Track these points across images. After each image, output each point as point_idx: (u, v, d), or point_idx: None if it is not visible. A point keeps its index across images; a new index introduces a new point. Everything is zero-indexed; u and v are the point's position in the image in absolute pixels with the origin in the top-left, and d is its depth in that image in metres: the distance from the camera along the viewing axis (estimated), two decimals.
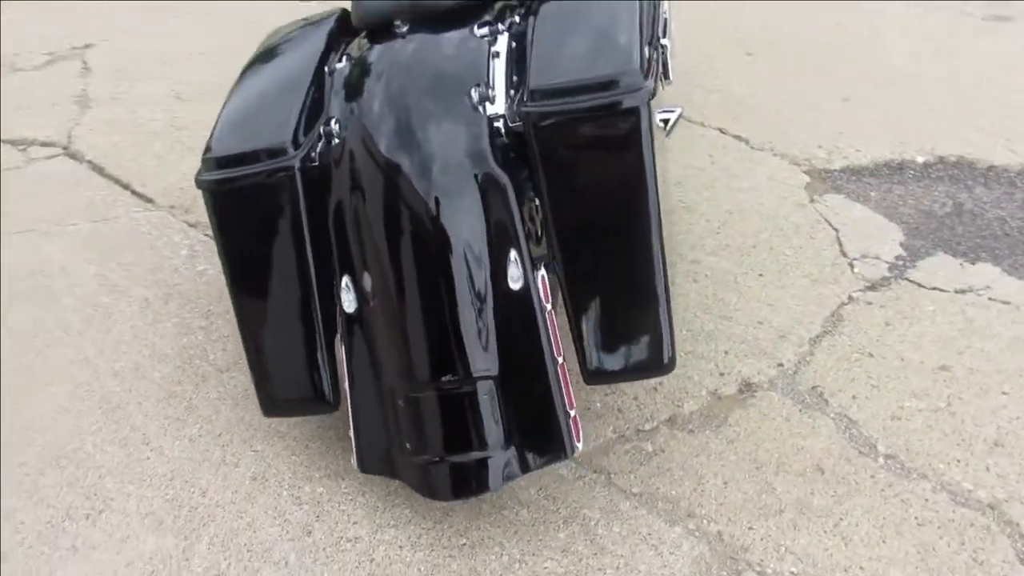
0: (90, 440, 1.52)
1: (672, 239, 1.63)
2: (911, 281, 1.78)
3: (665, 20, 1.50)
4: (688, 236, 1.95)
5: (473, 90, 1.21)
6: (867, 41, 2.82)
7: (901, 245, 1.89)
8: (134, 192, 2.34)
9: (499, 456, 1.21)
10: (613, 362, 1.23)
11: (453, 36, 1.28)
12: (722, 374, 1.58)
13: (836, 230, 1.95)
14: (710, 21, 3.10)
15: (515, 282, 1.19)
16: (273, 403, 1.36)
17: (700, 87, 2.62)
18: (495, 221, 1.20)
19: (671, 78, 1.30)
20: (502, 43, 1.31)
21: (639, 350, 1.22)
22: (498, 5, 1.37)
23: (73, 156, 2.57)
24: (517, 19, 1.36)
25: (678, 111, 1.69)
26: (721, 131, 2.38)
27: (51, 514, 1.38)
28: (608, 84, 1.15)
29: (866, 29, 2.89)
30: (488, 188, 1.20)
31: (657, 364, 1.23)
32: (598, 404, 1.53)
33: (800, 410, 1.49)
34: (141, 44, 3.34)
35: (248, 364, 1.35)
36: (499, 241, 1.20)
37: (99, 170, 2.47)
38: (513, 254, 1.19)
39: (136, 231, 2.14)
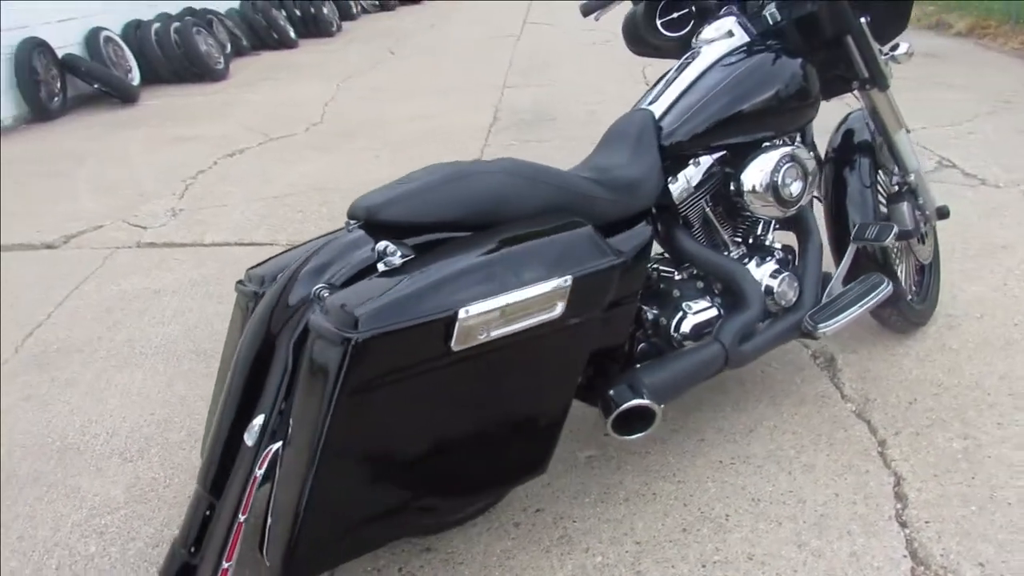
0: None
1: None
2: None
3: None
4: None
5: (318, 287, 1.47)
6: None
7: None
8: None
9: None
10: (267, 549, 1.35)
11: (357, 242, 1.53)
12: None
13: None
14: None
15: (250, 439, 1.42)
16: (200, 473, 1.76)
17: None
18: (267, 385, 1.44)
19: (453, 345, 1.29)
20: (395, 261, 1.48)
21: (275, 553, 1.32)
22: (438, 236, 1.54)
23: None
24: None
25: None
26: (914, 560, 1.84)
27: None
28: (347, 321, 1.29)
29: None
30: (279, 359, 1.45)
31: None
32: None
33: None
34: None
35: None
36: (260, 400, 1.44)
37: None
38: (259, 419, 1.42)
39: None
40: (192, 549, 1.46)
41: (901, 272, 2.39)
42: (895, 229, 2.07)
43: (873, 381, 2.23)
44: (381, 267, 1.45)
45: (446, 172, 1.59)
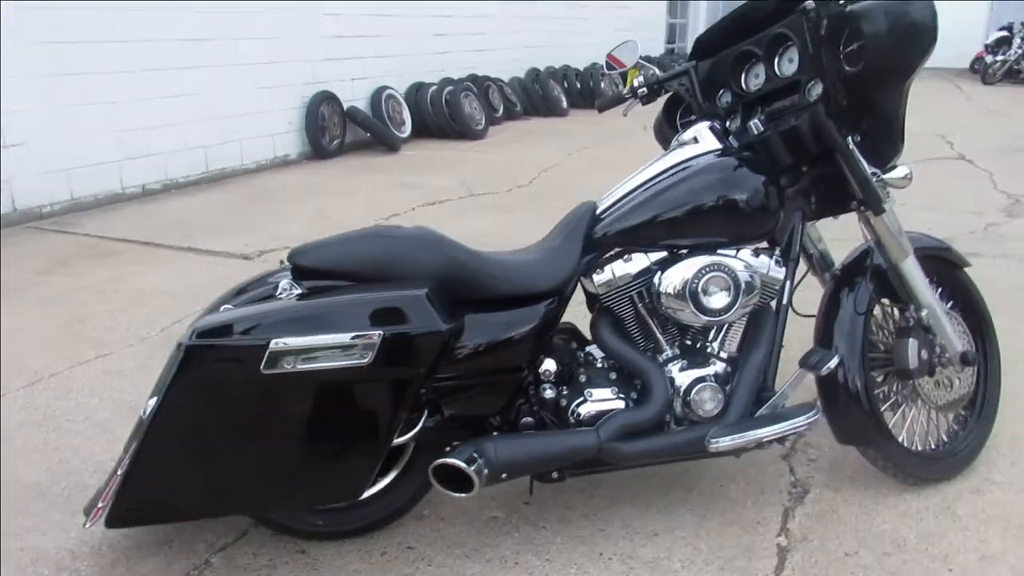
0: None
1: None
2: None
3: None
4: None
5: (224, 306, 1.83)
6: None
7: None
8: None
9: None
10: None
11: (277, 278, 1.85)
12: None
13: None
14: None
15: (144, 413, 1.80)
16: None
17: None
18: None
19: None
20: (292, 296, 1.80)
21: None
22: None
23: None
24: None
25: None
26: None
27: None
28: (191, 332, 1.63)
29: None
30: None
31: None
32: None
33: None
34: None
35: None
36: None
37: None
38: (154, 399, 1.80)
39: None
40: None
41: (904, 414, 2.17)
42: (835, 360, 1.93)
43: (829, 523, 2.05)
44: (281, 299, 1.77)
45: (364, 232, 1.89)
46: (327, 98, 7.39)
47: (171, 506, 1.74)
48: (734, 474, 2.25)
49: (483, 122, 8.71)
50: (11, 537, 2.03)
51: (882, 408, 2.16)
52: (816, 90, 1.94)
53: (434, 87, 8.56)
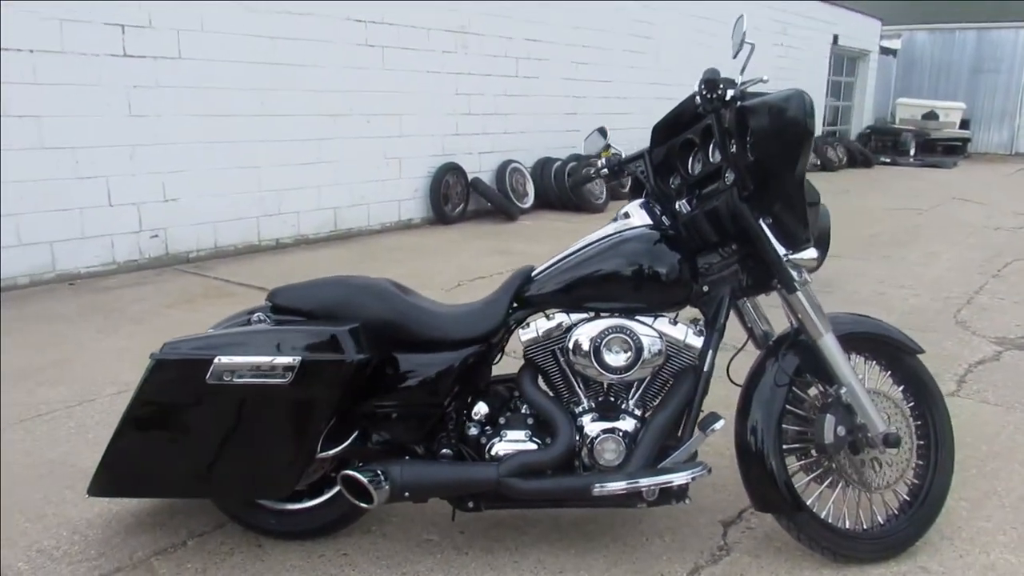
0: None
1: None
2: None
3: None
4: None
5: (211, 329, 2.26)
6: None
7: None
8: None
9: None
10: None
11: (259, 311, 2.26)
12: None
13: None
14: None
15: None
16: None
17: None
18: None
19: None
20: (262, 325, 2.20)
21: None
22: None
23: None
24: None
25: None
26: None
27: None
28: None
29: None
30: None
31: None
32: None
33: None
34: None
35: None
36: None
37: None
38: None
39: None
40: None
41: (834, 489, 2.22)
42: (719, 423, 2.05)
43: None
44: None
45: (327, 279, 2.28)
46: (452, 169, 8.03)
47: (135, 484, 2.16)
48: (663, 531, 2.37)
49: (603, 196, 9.05)
50: (51, 504, 2.53)
51: (807, 479, 2.23)
52: (731, 176, 2.12)
53: (559, 162, 9.02)
